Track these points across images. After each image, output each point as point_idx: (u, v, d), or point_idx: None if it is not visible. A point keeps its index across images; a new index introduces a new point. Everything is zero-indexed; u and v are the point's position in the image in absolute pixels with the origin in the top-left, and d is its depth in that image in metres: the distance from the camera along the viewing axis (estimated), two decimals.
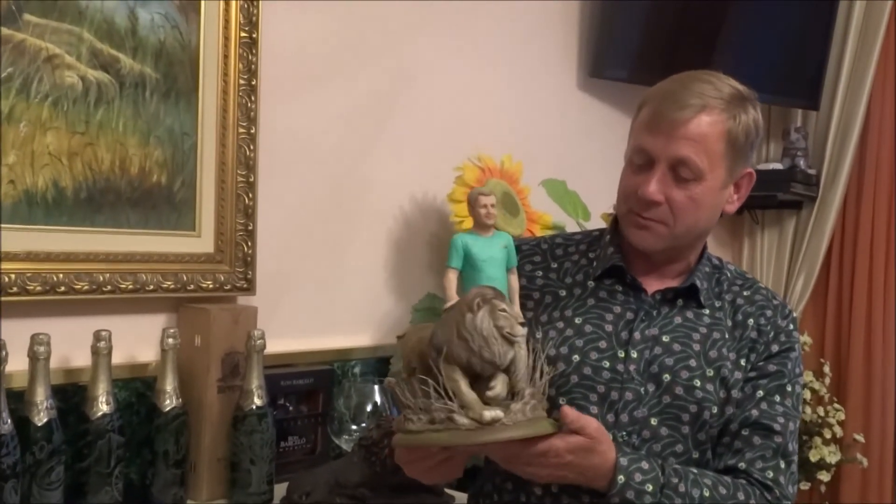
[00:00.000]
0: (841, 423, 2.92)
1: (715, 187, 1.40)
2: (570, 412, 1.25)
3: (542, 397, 1.24)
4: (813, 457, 2.81)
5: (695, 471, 1.36)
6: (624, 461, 1.30)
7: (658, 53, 2.71)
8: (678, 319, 1.46)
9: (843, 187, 3.08)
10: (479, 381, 1.19)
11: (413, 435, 1.21)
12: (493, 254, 1.27)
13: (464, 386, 1.17)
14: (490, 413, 1.15)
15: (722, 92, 1.38)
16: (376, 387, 1.77)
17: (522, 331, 1.17)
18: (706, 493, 1.33)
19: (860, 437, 2.97)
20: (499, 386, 1.18)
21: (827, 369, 3.04)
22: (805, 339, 3.03)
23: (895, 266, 3.07)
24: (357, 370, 2.08)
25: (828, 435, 2.87)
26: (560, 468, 1.26)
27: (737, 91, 1.40)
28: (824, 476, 2.86)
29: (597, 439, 1.28)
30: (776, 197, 3.11)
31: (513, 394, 1.21)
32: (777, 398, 1.43)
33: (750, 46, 2.84)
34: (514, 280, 1.30)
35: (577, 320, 1.46)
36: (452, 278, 1.26)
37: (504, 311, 1.16)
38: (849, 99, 3.07)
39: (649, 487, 1.30)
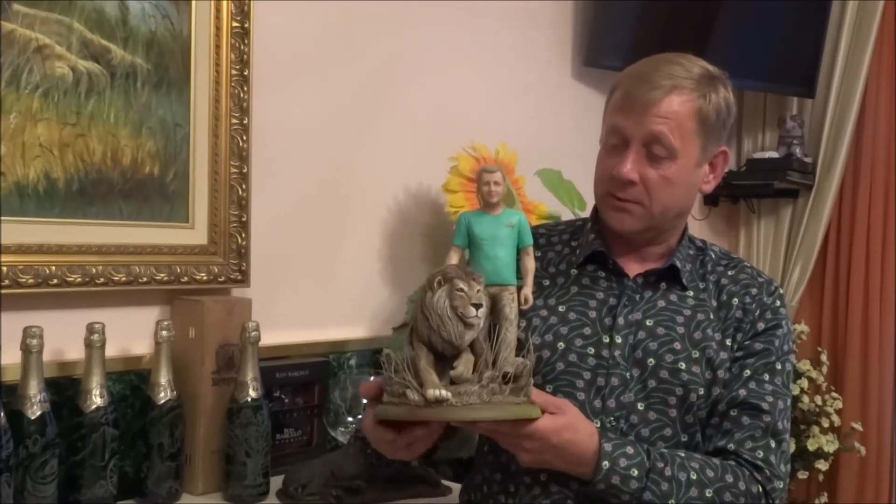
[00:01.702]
0: (838, 412, 2.92)
1: (689, 166, 1.42)
2: (536, 396, 1.25)
3: (526, 381, 1.21)
4: (811, 446, 2.82)
5: (682, 454, 1.35)
6: (608, 447, 1.29)
7: (653, 41, 2.68)
8: (661, 303, 1.46)
9: (840, 175, 3.08)
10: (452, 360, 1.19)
11: (380, 406, 1.22)
12: (496, 232, 1.25)
13: (422, 363, 1.17)
14: (433, 392, 1.14)
15: (691, 72, 1.41)
16: (372, 378, 1.76)
17: (475, 312, 1.15)
18: (693, 477, 1.32)
19: (858, 426, 2.97)
20: (461, 366, 1.17)
21: (824, 358, 3.03)
22: (802, 327, 3.03)
23: (892, 253, 3.07)
24: (352, 362, 2.07)
25: (825, 424, 2.87)
26: (544, 452, 1.26)
27: (706, 71, 1.43)
28: (822, 465, 2.86)
29: (577, 417, 1.28)
30: (772, 185, 3.12)
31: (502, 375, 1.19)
32: (766, 377, 1.42)
33: (745, 33, 2.83)
34: (529, 260, 1.27)
35: (561, 308, 1.46)
36: (452, 256, 1.26)
37: (461, 290, 1.15)
38: (844, 86, 3.06)
39: (635, 472, 1.29)
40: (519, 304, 1.24)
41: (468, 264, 1.25)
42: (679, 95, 1.38)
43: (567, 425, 1.26)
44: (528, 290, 1.25)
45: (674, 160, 1.39)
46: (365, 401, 1.40)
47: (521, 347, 1.24)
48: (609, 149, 1.44)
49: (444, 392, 1.14)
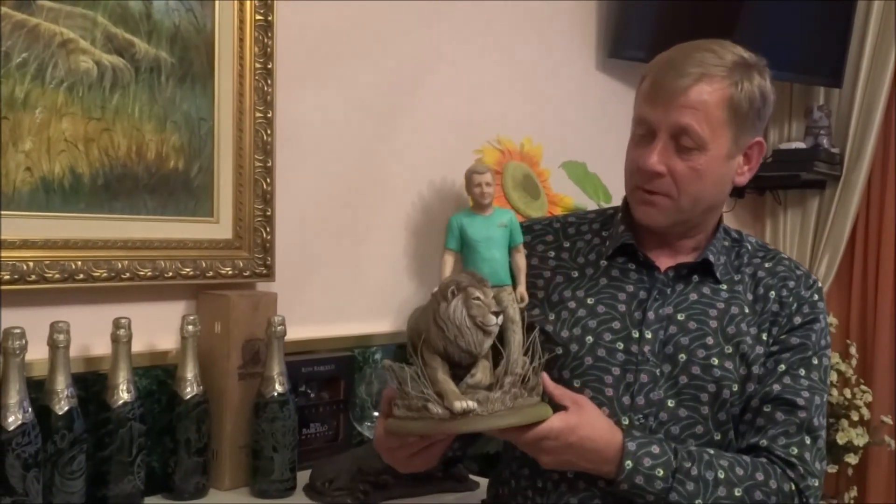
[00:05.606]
0: (868, 405, 2.88)
1: (719, 157, 1.37)
2: (553, 389, 1.24)
3: (536, 381, 1.20)
4: (840, 439, 2.78)
5: (711, 452, 1.32)
6: (632, 446, 1.27)
7: (678, 32, 2.61)
8: (693, 296, 1.42)
9: (868, 166, 3.04)
10: (462, 368, 1.17)
11: (396, 421, 1.20)
12: (490, 233, 1.24)
13: (440, 374, 1.15)
14: (461, 403, 1.13)
15: (724, 59, 1.35)
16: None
17: (495, 320, 1.14)
18: (721, 475, 1.29)
19: (888, 419, 2.93)
20: (479, 374, 1.16)
21: (853, 350, 2.99)
22: (831, 319, 2.98)
23: None
24: (378, 356, 2.06)
25: (855, 417, 2.83)
26: (562, 452, 1.24)
27: (741, 58, 1.38)
28: (852, 459, 2.82)
29: (593, 413, 1.27)
30: (799, 176, 3.08)
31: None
32: (801, 372, 1.39)
33: (771, 23, 2.79)
34: (521, 258, 1.26)
35: (590, 301, 1.43)
36: (448, 260, 1.25)
37: (478, 299, 1.13)
38: (872, 76, 3.02)
39: (660, 472, 1.26)
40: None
41: (462, 268, 1.24)
42: (709, 84, 1.33)
43: (582, 423, 1.24)
44: (522, 289, 1.24)
45: (703, 151, 1.35)
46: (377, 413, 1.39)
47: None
48: (637, 140, 1.40)
49: (471, 403, 1.13)
